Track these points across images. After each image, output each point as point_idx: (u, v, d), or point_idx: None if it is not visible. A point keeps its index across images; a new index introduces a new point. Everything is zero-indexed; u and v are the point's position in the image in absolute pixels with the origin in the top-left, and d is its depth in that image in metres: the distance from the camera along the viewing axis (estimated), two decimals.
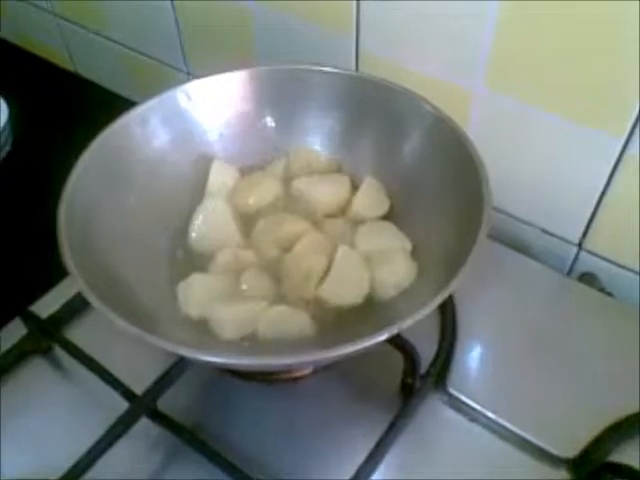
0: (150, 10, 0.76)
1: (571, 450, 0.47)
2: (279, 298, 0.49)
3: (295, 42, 0.66)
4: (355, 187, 0.56)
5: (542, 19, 0.49)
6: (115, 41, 0.85)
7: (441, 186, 0.50)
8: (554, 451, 0.48)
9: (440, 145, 0.50)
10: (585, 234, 0.59)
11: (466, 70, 0.56)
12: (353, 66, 0.63)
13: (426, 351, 0.51)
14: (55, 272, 0.48)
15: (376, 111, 0.54)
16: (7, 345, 0.54)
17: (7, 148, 0.77)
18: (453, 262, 0.42)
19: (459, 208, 0.47)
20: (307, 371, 0.51)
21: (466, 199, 0.46)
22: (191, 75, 0.80)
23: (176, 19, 0.75)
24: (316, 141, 0.58)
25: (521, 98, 0.54)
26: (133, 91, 0.87)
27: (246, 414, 0.50)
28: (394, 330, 0.38)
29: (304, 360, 0.42)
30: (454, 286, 0.40)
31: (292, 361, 0.41)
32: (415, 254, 0.50)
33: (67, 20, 0.88)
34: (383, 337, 0.38)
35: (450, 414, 0.50)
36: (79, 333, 0.56)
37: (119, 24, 0.82)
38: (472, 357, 0.54)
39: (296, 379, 0.51)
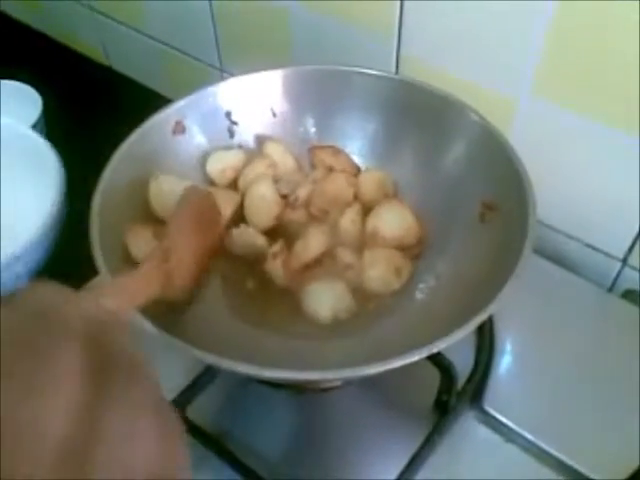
0: (187, 6, 0.75)
1: (612, 477, 0.45)
2: None
3: (332, 43, 0.64)
4: (394, 194, 0.54)
5: (599, 23, 0.47)
6: (150, 36, 0.84)
7: (483, 200, 0.48)
8: (594, 477, 0.46)
9: (485, 158, 0.48)
10: (631, 249, 0.57)
11: (512, 77, 0.54)
12: (393, 69, 0.61)
13: (461, 365, 0.49)
14: (86, 269, 0.47)
15: (419, 117, 0.52)
16: None
17: None
18: (493, 281, 0.40)
19: (501, 226, 0.46)
20: (337, 382, 0.50)
21: (509, 217, 0.44)
22: (224, 72, 0.79)
23: (213, 16, 0.74)
24: (355, 144, 0.56)
25: (571, 108, 0.52)
26: (165, 86, 0.87)
27: (274, 423, 0.49)
28: (433, 349, 0.37)
29: (334, 377, 0.40)
30: (495, 307, 0.38)
31: (320, 377, 0.39)
32: (455, 268, 0.48)
33: (103, 14, 0.87)
34: (418, 357, 0.37)
35: (485, 433, 0.49)
36: None
37: (155, 20, 0.82)
38: (510, 374, 0.52)
39: (326, 390, 0.50)
